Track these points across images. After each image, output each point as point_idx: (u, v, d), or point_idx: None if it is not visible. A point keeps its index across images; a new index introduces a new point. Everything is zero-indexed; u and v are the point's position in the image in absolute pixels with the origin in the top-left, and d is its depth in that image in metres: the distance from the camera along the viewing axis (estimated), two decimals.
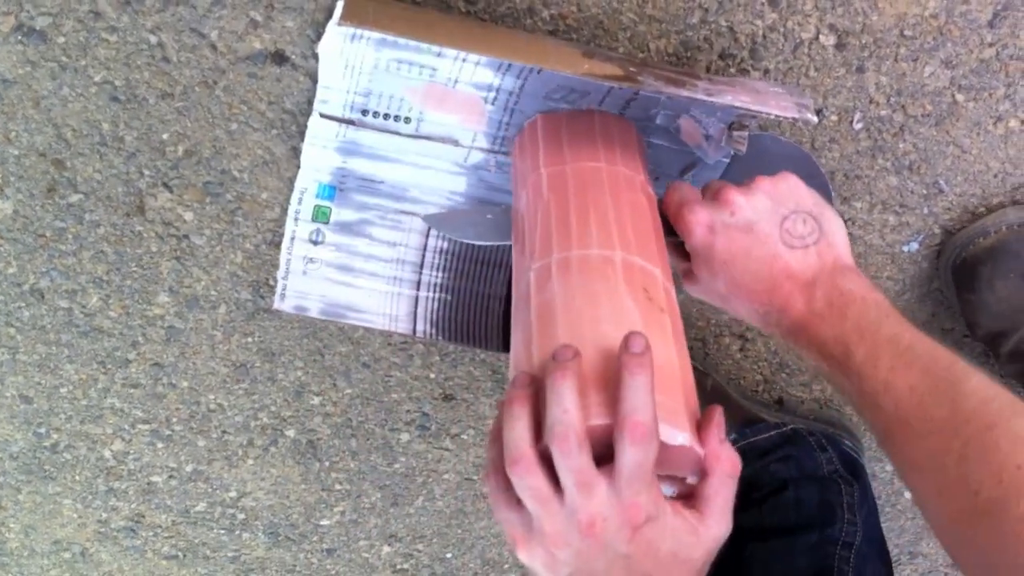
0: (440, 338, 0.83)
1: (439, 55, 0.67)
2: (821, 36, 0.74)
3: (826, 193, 0.79)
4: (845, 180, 0.82)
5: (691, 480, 0.51)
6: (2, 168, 0.78)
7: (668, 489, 0.52)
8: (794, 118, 0.65)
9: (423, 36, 0.65)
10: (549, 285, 0.57)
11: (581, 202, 0.63)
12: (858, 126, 0.79)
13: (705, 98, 0.64)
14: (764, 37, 0.74)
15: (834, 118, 0.78)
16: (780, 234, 0.63)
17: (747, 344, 0.95)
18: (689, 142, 0.72)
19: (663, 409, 0.48)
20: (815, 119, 0.67)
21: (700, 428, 0.51)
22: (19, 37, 0.71)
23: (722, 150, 0.72)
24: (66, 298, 0.87)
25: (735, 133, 0.71)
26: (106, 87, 0.74)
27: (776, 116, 0.65)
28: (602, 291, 0.56)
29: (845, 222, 0.85)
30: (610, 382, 0.49)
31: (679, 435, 0.49)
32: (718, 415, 0.51)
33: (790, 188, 0.64)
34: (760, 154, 0.74)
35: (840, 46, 0.74)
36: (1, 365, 0.91)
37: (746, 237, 0.62)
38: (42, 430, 0.97)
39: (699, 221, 0.64)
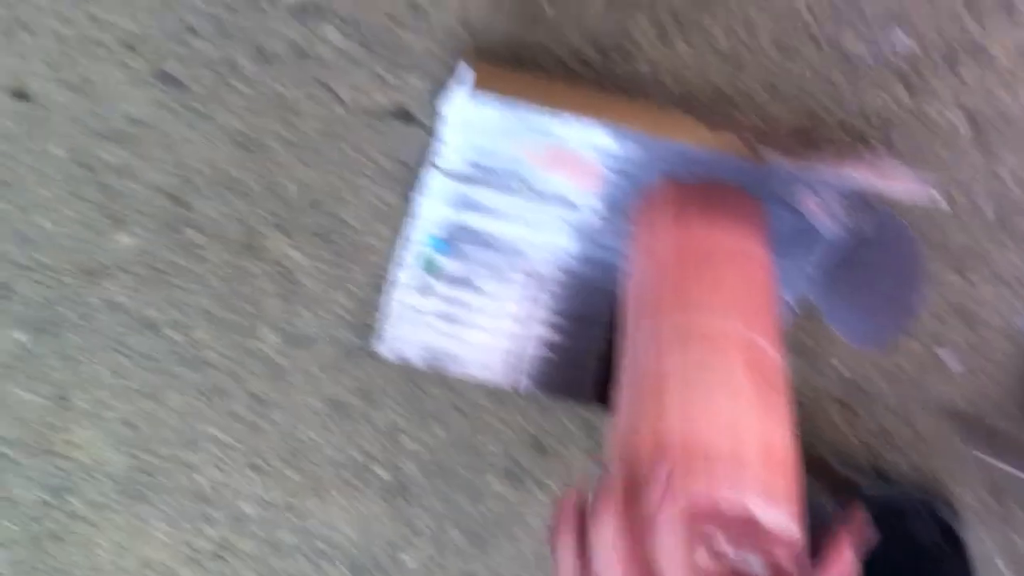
0: (538, 391, 0.83)
1: (560, 120, 0.67)
2: (954, 118, 0.72)
3: (917, 278, 0.76)
4: (965, 254, 0.80)
5: (785, 564, 0.50)
6: (126, 203, 0.81)
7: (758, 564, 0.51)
8: (920, 199, 0.64)
9: (546, 102, 0.66)
10: (664, 353, 0.57)
11: (701, 272, 0.62)
12: (986, 207, 0.77)
13: (829, 174, 0.63)
14: (894, 114, 0.72)
15: (962, 200, 0.76)
16: None
17: (848, 411, 0.93)
18: (809, 216, 0.71)
19: (769, 488, 0.48)
20: (942, 202, 0.66)
21: (834, 528, 0.50)
22: (156, 82, 0.73)
23: (842, 226, 0.71)
24: (176, 330, 0.89)
25: (856, 211, 0.69)
26: (234, 134, 0.76)
27: (901, 197, 0.64)
28: (718, 365, 0.55)
29: (958, 294, 0.82)
30: (716, 461, 0.49)
31: (779, 516, 0.49)
32: (859, 520, 0.50)
33: None
34: (875, 229, 0.73)
35: (973, 129, 0.73)
36: (110, 393, 0.94)
37: None
38: (142, 455, 0.99)
39: None
